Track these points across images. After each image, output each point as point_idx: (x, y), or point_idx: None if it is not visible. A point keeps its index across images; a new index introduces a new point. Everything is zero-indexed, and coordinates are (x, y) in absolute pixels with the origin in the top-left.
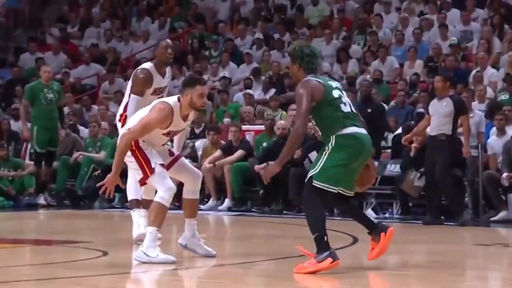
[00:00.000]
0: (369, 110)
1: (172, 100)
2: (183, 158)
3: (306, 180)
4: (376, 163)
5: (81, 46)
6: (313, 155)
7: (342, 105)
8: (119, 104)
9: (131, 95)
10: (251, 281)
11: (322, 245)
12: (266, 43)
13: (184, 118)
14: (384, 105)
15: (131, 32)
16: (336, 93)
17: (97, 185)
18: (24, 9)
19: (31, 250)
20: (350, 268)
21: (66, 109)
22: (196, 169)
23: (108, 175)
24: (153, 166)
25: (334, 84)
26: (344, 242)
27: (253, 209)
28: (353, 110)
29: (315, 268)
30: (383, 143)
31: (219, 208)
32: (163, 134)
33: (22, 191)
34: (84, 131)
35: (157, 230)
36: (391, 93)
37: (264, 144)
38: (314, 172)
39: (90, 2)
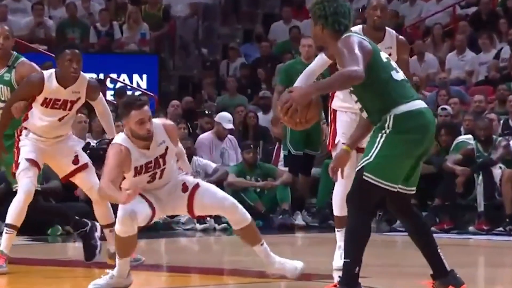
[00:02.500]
0: None
1: (120, 137)
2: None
3: (356, 170)
4: None
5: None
6: None
7: (394, 72)
8: None
9: None
10: None
11: (351, 277)
12: None
13: (147, 148)
14: None
15: None
16: (384, 56)
17: None
18: None
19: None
20: None
21: None
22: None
23: None
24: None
25: (375, 44)
26: None
27: None
28: (404, 77)
29: None
30: None
31: None
32: (134, 177)
33: (274, 207)
34: None
35: None
36: None
37: None
38: (367, 162)
39: None
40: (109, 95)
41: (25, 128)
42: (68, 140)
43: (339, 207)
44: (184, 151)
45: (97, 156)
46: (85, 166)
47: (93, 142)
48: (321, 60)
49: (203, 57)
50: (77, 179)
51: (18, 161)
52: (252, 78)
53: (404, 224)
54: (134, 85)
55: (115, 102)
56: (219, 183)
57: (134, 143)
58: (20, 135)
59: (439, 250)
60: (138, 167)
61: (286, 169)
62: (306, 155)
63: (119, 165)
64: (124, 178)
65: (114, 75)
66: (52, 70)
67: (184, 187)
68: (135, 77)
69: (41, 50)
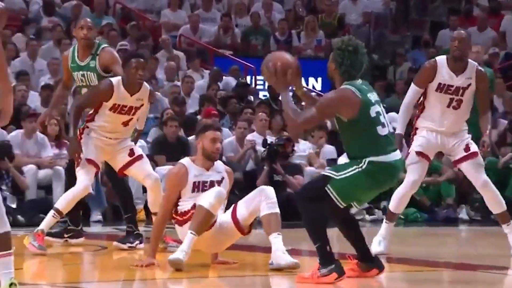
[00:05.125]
0: None
1: (183, 159)
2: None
3: (321, 175)
4: None
5: None
6: None
7: (379, 127)
8: None
9: None
10: None
11: (326, 257)
12: None
13: (207, 168)
14: None
15: None
16: (374, 111)
17: None
18: None
19: (449, 275)
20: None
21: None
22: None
23: None
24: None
25: (373, 97)
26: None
27: None
28: (390, 129)
29: (317, 282)
30: None
31: None
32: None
33: (438, 201)
34: None
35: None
36: None
37: None
38: (335, 177)
39: None
40: None
41: (87, 127)
42: (126, 139)
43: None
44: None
45: (274, 152)
46: (140, 157)
47: (272, 139)
48: (413, 92)
49: (373, 62)
50: (132, 169)
51: (79, 159)
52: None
53: (337, 224)
54: (310, 87)
55: None
56: None
57: (196, 163)
58: (82, 133)
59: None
60: (197, 183)
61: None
62: None
63: (178, 184)
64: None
65: None
66: (119, 78)
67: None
68: (311, 80)
69: (227, 55)
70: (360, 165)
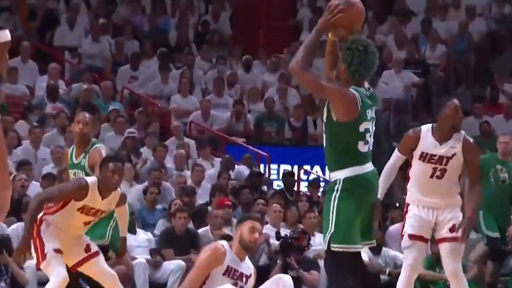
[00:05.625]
0: None
1: (222, 241)
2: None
3: (325, 249)
4: None
5: None
6: None
7: (361, 143)
8: None
9: None
10: None
11: None
12: None
13: (241, 259)
14: None
15: None
16: (364, 127)
17: None
18: (468, 59)
19: None
20: None
21: None
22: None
23: None
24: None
25: (370, 113)
26: None
27: None
28: (370, 147)
29: None
30: None
31: None
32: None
33: None
34: None
35: None
36: None
37: None
38: (330, 234)
39: None
40: (303, 186)
41: (44, 220)
42: (83, 235)
43: None
44: None
45: (288, 246)
46: (96, 253)
47: (286, 231)
48: (395, 157)
49: (391, 149)
50: (87, 267)
51: (45, 252)
52: None
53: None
54: (326, 177)
55: (309, 193)
56: None
57: (232, 248)
58: (40, 226)
59: None
60: (230, 268)
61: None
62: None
63: (216, 261)
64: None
65: (307, 167)
66: (95, 179)
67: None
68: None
69: (239, 143)
70: (336, 188)
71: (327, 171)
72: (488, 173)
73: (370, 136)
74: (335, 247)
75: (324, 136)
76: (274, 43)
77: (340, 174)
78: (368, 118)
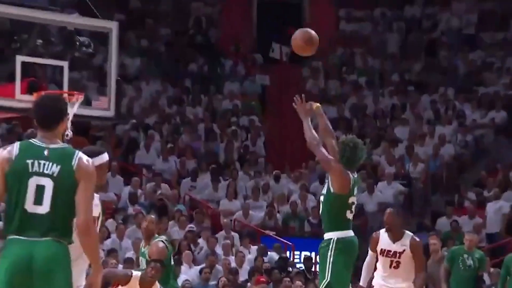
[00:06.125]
0: None
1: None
2: None
3: None
4: None
5: None
6: None
7: (348, 212)
8: None
9: None
10: None
11: None
12: None
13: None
14: None
15: None
16: (351, 200)
17: None
18: (441, 174)
19: None
20: None
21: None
22: None
23: None
24: None
25: (356, 190)
26: None
27: None
28: (351, 216)
29: None
30: None
31: None
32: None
33: None
34: None
35: None
36: None
37: None
38: (327, 282)
39: (509, 166)
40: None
41: None
42: None
43: None
44: None
45: None
46: None
47: None
48: (369, 255)
49: None
50: None
51: None
52: None
53: None
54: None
55: None
56: None
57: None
58: None
59: None
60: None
61: None
62: None
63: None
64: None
65: None
66: (140, 274)
67: None
68: None
69: (271, 235)
70: (330, 247)
71: None
72: (458, 260)
73: (354, 208)
74: None
75: (321, 205)
76: (296, 161)
77: (334, 235)
78: (354, 194)
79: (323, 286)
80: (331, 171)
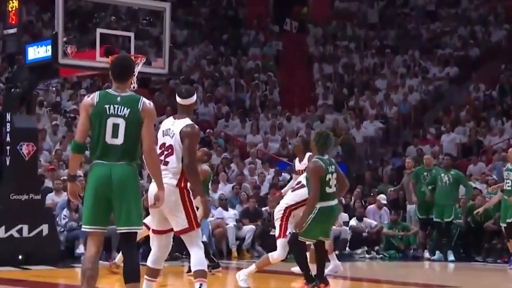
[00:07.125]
0: None
1: None
2: None
3: (292, 234)
4: None
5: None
6: None
7: (327, 187)
8: None
9: None
10: None
11: (309, 278)
12: None
13: None
14: None
15: (489, 128)
16: (328, 177)
17: None
18: (410, 114)
19: None
20: None
21: None
22: None
23: None
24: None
25: (331, 168)
26: None
27: None
28: (334, 189)
29: None
30: None
31: None
32: None
33: (408, 246)
34: None
35: None
36: None
37: None
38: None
39: (459, 107)
40: None
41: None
42: None
43: None
44: None
45: None
46: None
47: None
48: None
49: (370, 167)
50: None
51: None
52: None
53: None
54: None
55: None
56: None
57: None
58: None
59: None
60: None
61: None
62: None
63: None
64: None
65: None
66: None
67: None
68: None
69: (284, 161)
70: (314, 212)
71: None
72: (420, 177)
73: (333, 181)
74: (302, 239)
75: (308, 187)
76: (303, 106)
77: (318, 205)
78: (330, 171)
79: (294, 232)
80: (312, 178)
